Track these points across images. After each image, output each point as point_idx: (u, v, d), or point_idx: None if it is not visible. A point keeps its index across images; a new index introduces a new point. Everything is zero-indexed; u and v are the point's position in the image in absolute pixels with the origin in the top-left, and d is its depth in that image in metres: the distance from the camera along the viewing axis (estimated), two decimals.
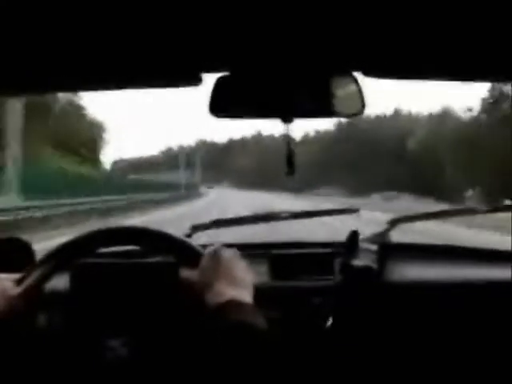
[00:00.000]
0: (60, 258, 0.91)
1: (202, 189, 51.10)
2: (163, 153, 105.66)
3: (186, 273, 0.87)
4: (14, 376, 0.83)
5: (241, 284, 0.82)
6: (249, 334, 0.71)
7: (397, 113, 52.05)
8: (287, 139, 0.95)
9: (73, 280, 0.92)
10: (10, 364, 0.83)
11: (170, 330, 0.90)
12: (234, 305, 0.76)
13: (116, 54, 0.89)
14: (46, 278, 0.90)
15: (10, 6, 0.70)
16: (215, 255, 0.86)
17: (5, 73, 0.94)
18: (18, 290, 0.87)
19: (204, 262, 0.86)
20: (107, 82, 1.01)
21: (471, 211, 1.60)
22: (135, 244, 1.01)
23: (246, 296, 0.80)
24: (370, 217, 3.47)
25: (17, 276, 0.90)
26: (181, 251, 0.92)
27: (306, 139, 59.08)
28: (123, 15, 0.75)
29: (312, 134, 60.42)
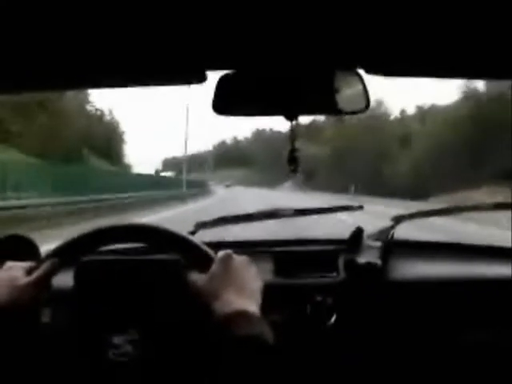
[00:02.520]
0: (65, 255, 1.00)
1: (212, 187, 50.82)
2: (215, 148, 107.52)
3: (195, 276, 0.94)
4: (15, 369, 0.91)
5: (249, 294, 0.90)
6: (255, 346, 0.79)
7: None
8: (292, 137, 1.06)
9: (77, 277, 1.04)
10: (12, 356, 0.92)
11: (175, 327, 1.01)
12: (242, 316, 0.84)
13: (119, 50, 0.98)
14: (53, 272, 0.98)
15: (11, 3, 0.76)
16: (226, 262, 0.93)
17: (6, 71, 1.02)
18: (27, 280, 0.95)
19: (214, 268, 0.93)
20: (110, 80, 1.11)
21: (474, 208, 1.70)
22: (141, 242, 1.13)
23: (254, 306, 0.87)
24: None
25: (27, 265, 0.99)
26: (190, 252, 0.99)
27: (424, 115, 44.15)
28: (127, 11, 0.82)
29: (427, 107, 46.37)
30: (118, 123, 46.29)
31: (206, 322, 0.88)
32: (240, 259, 0.96)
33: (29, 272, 0.98)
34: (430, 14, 0.82)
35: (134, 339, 1.00)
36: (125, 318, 1.02)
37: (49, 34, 0.88)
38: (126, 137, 63.02)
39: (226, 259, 0.94)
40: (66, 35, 0.89)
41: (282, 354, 0.79)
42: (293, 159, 1.07)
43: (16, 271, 0.97)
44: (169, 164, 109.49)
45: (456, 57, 1.01)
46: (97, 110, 39.69)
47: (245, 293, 0.90)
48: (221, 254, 0.96)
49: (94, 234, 1.03)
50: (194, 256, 0.99)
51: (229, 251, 0.96)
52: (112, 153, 38.32)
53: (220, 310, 0.86)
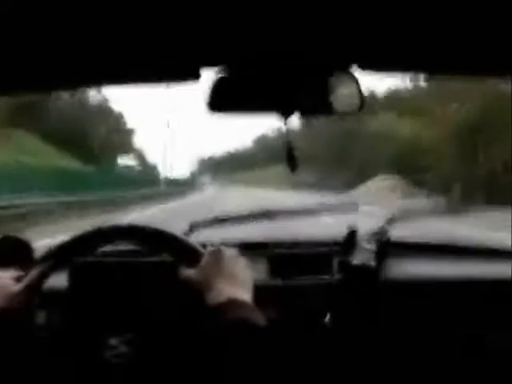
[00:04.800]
0: (59, 256, 1.18)
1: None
2: (256, 143, 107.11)
3: (186, 272, 1.10)
4: (11, 373, 1.03)
5: (241, 283, 1.04)
6: (248, 331, 0.92)
7: None
8: (287, 135, 1.20)
9: (72, 278, 1.16)
10: (8, 361, 1.04)
11: (170, 328, 1.14)
12: (234, 303, 0.97)
13: (113, 49, 1.08)
14: (45, 276, 1.14)
15: (11, 4, 0.85)
16: (216, 254, 1.09)
17: (5, 72, 1.13)
18: (17, 288, 1.08)
19: (204, 260, 1.09)
20: (104, 78, 1.24)
21: (474, 210, 1.93)
22: (135, 242, 1.30)
23: (246, 295, 1.01)
24: None
25: (16, 273, 1.11)
26: (181, 250, 1.16)
27: None
28: (121, 10, 0.90)
29: None
30: (109, 108, 44.68)
31: (201, 316, 1.01)
32: (229, 251, 1.12)
33: (18, 280, 1.11)
34: (427, 11, 0.92)
35: (129, 340, 1.13)
36: (120, 319, 1.16)
37: (41, 34, 0.99)
38: (130, 126, 59.63)
39: (216, 252, 1.10)
40: (58, 33, 0.99)
41: (276, 355, 0.92)
42: (291, 158, 1.22)
43: (4, 280, 1.11)
44: (205, 164, 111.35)
45: (453, 54, 1.13)
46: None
47: (236, 281, 1.04)
48: (210, 247, 1.13)
49: (87, 236, 1.21)
50: (184, 253, 1.16)
51: (218, 244, 1.13)
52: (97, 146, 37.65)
53: (212, 300, 1.00)
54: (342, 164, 41.43)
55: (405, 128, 36.63)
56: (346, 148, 42.15)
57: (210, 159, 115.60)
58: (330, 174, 40.22)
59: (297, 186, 39.70)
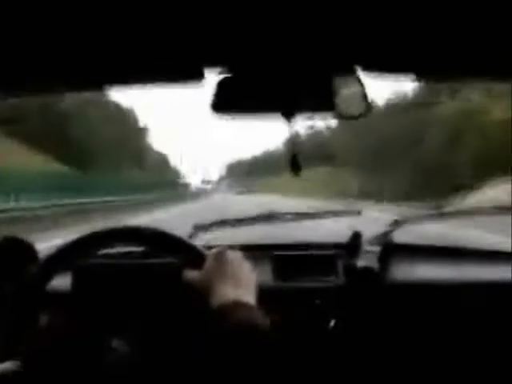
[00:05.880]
0: (62, 258, 1.20)
1: None
2: (283, 144, 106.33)
3: (190, 274, 1.12)
4: (13, 374, 1.06)
5: (245, 285, 1.06)
6: (252, 334, 0.93)
7: None
8: (292, 138, 1.23)
9: (75, 281, 1.20)
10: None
11: (173, 330, 1.16)
12: (238, 305, 0.99)
13: (115, 50, 1.11)
14: (47, 278, 1.18)
15: (11, 5, 0.87)
16: (219, 256, 1.11)
17: (5, 73, 1.16)
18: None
19: (208, 263, 1.11)
20: (105, 80, 1.25)
21: (477, 212, 1.97)
22: (138, 244, 1.35)
23: (250, 297, 1.03)
24: None
25: None
26: (184, 252, 1.19)
27: None
28: (123, 10, 0.93)
29: None
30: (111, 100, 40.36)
31: (205, 318, 1.03)
32: (233, 253, 1.14)
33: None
34: (432, 14, 0.95)
35: (133, 342, 1.16)
36: (123, 321, 1.20)
37: (42, 34, 1.02)
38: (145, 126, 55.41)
39: (219, 254, 1.13)
40: (58, 33, 1.02)
41: (280, 357, 0.94)
42: (295, 163, 1.26)
43: None
44: (234, 169, 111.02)
45: (458, 58, 1.17)
46: None
47: (240, 285, 1.06)
48: (213, 250, 1.15)
49: (90, 238, 1.25)
50: (188, 255, 1.19)
51: (221, 247, 1.17)
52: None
53: (216, 303, 1.02)
54: (395, 166, 31.64)
55: (497, 108, 25.40)
56: (410, 140, 31.45)
57: (239, 163, 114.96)
58: (379, 179, 31.06)
59: (329, 197, 28.66)
